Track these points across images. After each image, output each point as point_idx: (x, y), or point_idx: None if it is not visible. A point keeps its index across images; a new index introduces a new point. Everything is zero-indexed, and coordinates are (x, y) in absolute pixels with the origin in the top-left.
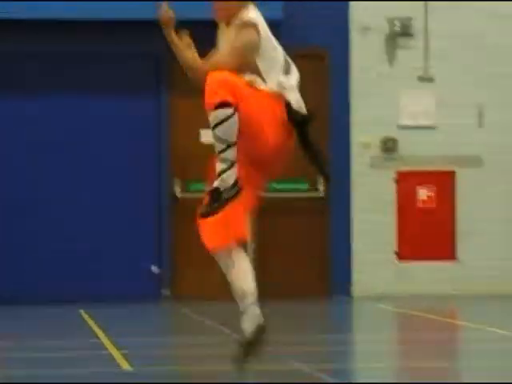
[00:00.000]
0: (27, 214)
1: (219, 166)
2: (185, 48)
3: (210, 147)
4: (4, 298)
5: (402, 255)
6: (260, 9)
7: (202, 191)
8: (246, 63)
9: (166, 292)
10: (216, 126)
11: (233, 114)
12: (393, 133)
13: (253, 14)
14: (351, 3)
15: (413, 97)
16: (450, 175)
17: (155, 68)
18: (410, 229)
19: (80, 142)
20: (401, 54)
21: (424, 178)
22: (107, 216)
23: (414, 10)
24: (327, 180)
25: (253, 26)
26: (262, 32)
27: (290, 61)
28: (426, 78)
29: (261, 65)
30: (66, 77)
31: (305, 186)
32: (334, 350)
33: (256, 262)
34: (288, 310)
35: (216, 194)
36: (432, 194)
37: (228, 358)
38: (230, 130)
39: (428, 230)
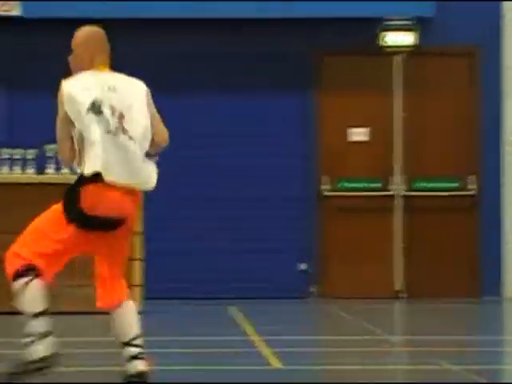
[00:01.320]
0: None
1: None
2: None
3: (358, 144)
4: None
5: None
6: (413, 7)
7: (350, 189)
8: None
9: (314, 289)
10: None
11: (29, 281)
12: None
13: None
14: None
15: None
16: None
17: (303, 66)
18: None
19: (230, 141)
20: None
21: None
22: (255, 213)
23: None
24: None
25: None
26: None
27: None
28: None
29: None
30: (223, 76)
31: (455, 185)
32: (483, 350)
33: (405, 260)
34: (437, 309)
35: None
36: None
37: (374, 357)
38: (28, 300)
39: None
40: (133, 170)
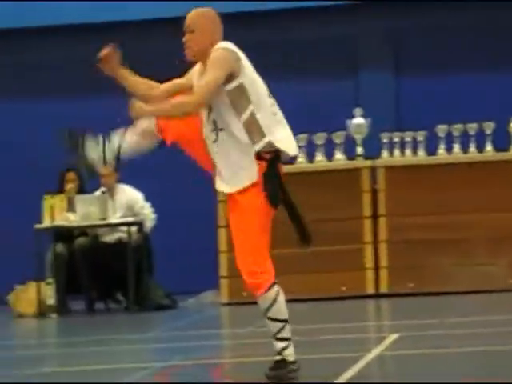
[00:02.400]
0: None
1: (278, 345)
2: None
3: None
4: None
5: None
6: None
7: None
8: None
9: None
10: (269, 308)
11: (278, 291)
12: None
13: (226, 43)
14: None
15: None
16: None
17: None
18: None
19: None
20: None
21: None
22: None
23: None
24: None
25: (225, 47)
26: (241, 55)
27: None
28: None
29: (250, 91)
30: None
31: None
32: None
33: None
34: None
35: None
36: None
37: None
38: (281, 307)
39: None
40: None
